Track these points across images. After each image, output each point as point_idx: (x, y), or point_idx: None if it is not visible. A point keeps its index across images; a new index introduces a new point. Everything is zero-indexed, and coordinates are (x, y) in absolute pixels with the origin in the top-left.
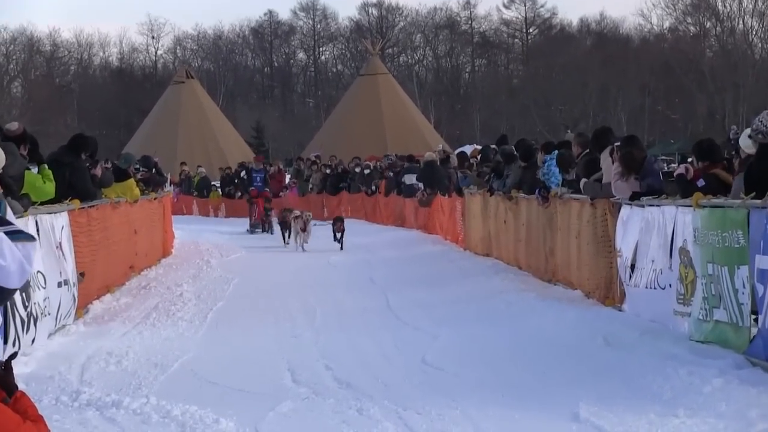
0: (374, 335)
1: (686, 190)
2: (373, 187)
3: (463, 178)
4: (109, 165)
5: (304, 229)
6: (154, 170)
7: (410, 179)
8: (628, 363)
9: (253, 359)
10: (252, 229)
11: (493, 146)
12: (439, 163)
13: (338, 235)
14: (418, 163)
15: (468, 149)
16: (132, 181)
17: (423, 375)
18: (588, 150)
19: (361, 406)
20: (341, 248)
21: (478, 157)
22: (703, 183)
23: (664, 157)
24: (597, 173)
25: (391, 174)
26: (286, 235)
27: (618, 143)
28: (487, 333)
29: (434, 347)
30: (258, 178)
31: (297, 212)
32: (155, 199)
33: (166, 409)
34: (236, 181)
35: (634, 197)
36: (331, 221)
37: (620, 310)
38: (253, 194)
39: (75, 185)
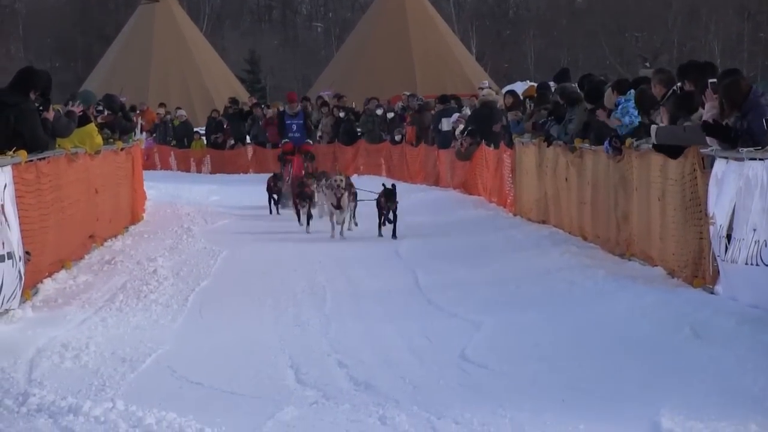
0: (400, 324)
1: None
2: (398, 136)
3: (515, 124)
4: (76, 108)
5: (338, 205)
6: (119, 113)
7: (447, 124)
8: (723, 360)
9: (246, 354)
10: (280, 204)
11: (552, 83)
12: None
13: (388, 216)
14: (456, 103)
15: (519, 87)
16: (92, 126)
17: (462, 374)
18: (675, 88)
19: (383, 413)
20: (394, 236)
21: (533, 98)
22: None
23: None
24: (693, 115)
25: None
26: (302, 213)
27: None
28: (543, 321)
29: (476, 339)
30: (294, 126)
31: (324, 178)
32: (122, 149)
33: (137, 416)
34: (225, 125)
35: (727, 138)
36: (378, 195)
37: (712, 293)
38: (288, 149)
39: (22, 132)
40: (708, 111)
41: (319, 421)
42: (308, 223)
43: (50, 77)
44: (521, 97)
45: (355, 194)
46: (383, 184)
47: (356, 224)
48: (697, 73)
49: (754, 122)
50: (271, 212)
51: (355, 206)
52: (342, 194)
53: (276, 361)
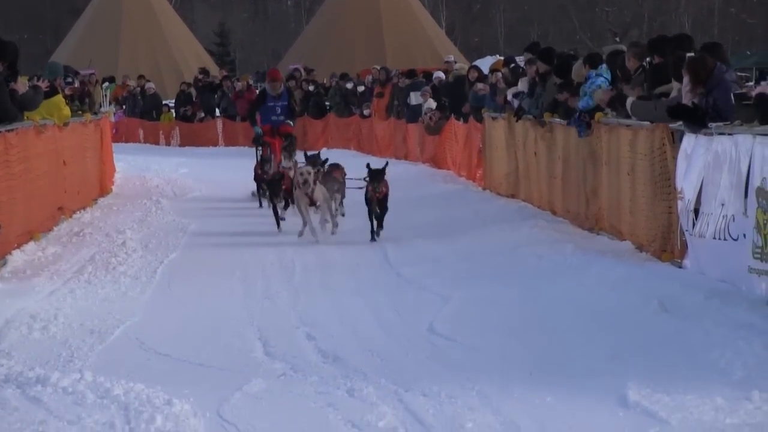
0: (369, 297)
1: (766, 115)
2: (366, 111)
3: (490, 98)
4: (41, 82)
5: (311, 201)
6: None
7: (415, 98)
8: (690, 334)
9: (214, 326)
10: (260, 193)
11: (523, 57)
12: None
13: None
14: (423, 78)
15: (487, 63)
16: (60, 97)
17: (430, 347)
18: (644, 63)
19: (351, 385)
20: (373, 238)
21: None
22: None
23: (738, 74)
24: (663, 87)
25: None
26: (279, 206)
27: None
28: (511, 295)
29: (444, 313)
30: (278, 109)
31: (290, 161)
32: (90, 122)
33: (105, 387)
34: (194, 98)
35: (694, 118)
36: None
37: (680, 267)
38: (266, 130)
39: None
40: (684, 84)
41: (287, 393)
42: (279, 223)
43: (17, 49)
44: (485, 72)
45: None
46: (368, 165)
47: (342, 215)
48: (670, 46)
49: (720, 98)
50: (261, 205)
51: (342, 197)
52: (312, 185)
53: (244, 333)
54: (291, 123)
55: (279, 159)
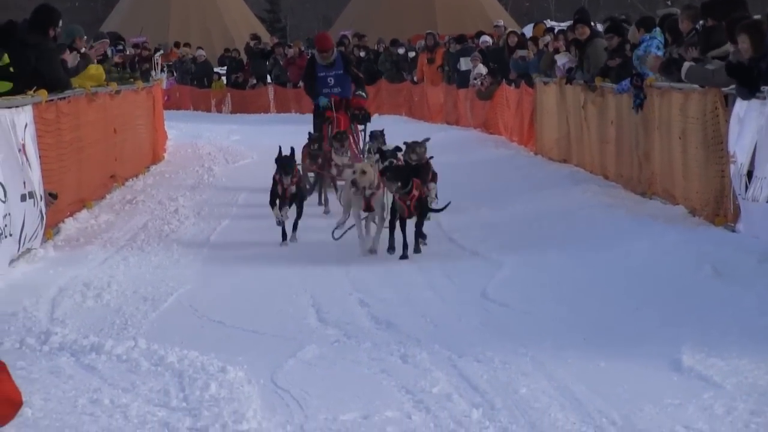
0: (421, 263)
1: None
2: (415, 77)
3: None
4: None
5: (367, 206)
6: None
7: (465, 64)
8: (744, 298)
9: (267, 293)
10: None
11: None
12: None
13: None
14: (474, 44)
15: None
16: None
17: (483, 313)
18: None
19: (405, 351)
20: (404, 254)
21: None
22: None
23: None
24: (718, 50)
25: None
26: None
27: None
28: (564, 260)
29: (497, 278)
30: (330, 80)
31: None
32: (142, 89)
33: (159, 354)
34: (245, 65)
35: (748, 84)
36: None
37: (733, 231)
38: (335, 102)
39: (42, 72)
40: (738, 49)
41: (340, 359)
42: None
43: (61, 15)
44: (526, 37)
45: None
46: (403, 146)
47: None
48: (724, 8)
49: None
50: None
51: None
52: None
53: (297, 300)
54: (363, 94)
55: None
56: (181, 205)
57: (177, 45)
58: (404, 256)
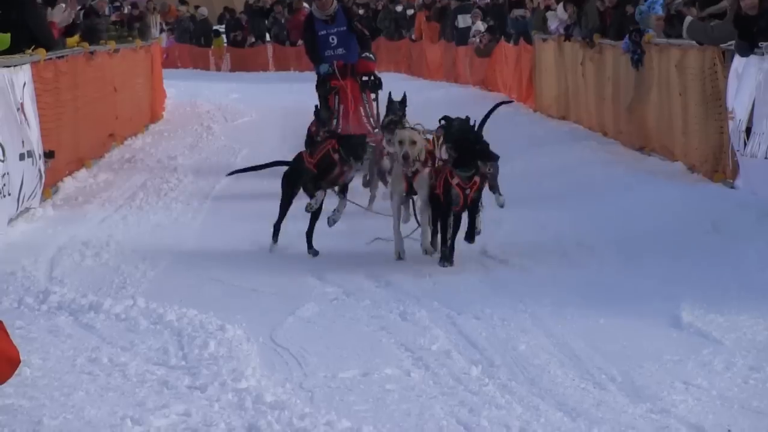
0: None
1: None
2: (413, 35)
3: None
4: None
5: (407, 190)
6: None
7: (464, 21)
8: (743, 254)
9: (266, 252)
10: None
11: None
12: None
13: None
14: (473, 1)
15: None
16: None
17: (482, 270)
18: None
19: (404, 309)
20: (445, 259)
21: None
22: None
23: None
24: (714, 7)
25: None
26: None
27: None
28: (563, 217)
29: (497, 235)
30: (333, 39)
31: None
32: (140, 48)
33: (158, 313)
34: (244, 23)
35: (747, 39)
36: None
37: (732, 188)
38: (339, 67)
39: (30, 29)
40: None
41: (339, 317)
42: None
43: None
44: None
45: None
46: (444, 119)
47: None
48: None
49: None
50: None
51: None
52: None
53: (296, 258)
54: (371, 56)
55: (351, 109)
56: (180, 164)
57: (183, 2)
58: (448, 260)
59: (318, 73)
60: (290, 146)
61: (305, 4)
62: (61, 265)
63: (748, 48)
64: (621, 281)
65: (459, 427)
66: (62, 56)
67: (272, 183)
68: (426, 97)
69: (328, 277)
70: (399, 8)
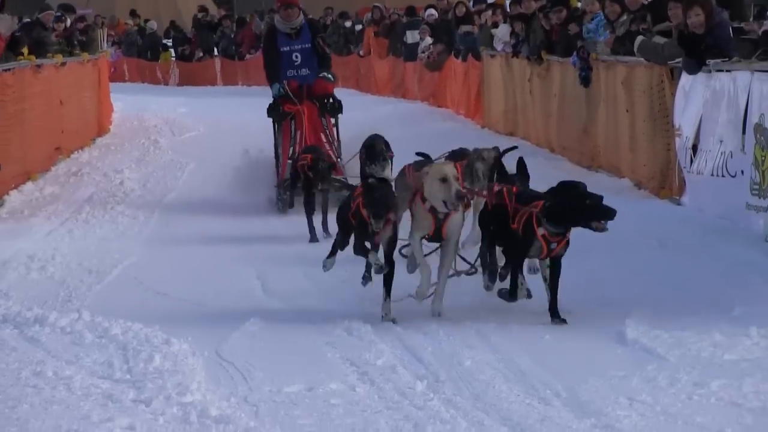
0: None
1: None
2: (361, 51)
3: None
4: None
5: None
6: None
7: (413, 36)
8: (689, 270)
9: (213, 265)
10: (283, 194)
11: None
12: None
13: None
14: (419, 16)
15: None
16: None
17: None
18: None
19: (349, 324)
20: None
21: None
22: None
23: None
24: (663, 24)
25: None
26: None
27: None
28: None
29: None
30: (297, 56)
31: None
32: (87, 61)
33: (103, 326)
34: (192, 37)
35: (695, 56)
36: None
37: (678, 204)
38: (293, 89)
39: None
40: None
41: (285, 331)
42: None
43: None
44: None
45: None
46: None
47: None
48: None
49: (721, 37)
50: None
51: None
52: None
53: (242, 272)
54: (329, 76)
55: (310, 140)
56: (127, 178)
57: (132, 14)
58: (514, 297)
59: (273, 93)
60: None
61: (256, 18)
62: (6, 279)
63: (695, 65)
64: (566, 297)
65: None
66: (8, 69)
67: (219, 197)
68: (375, 113)
69: (275, 292)
70: (348, 23)
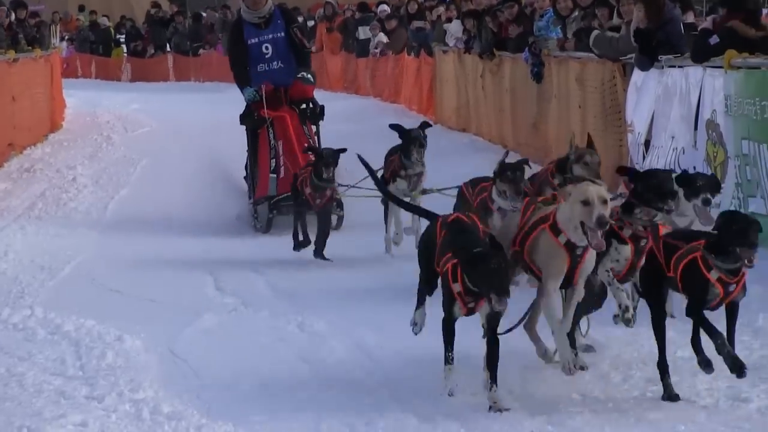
0: None
1: (702, 50)
2: (313, 47)
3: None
4: None
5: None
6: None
7: (365, 33)
8: None
9: (165, 262)
10: (269, 213)
11: None
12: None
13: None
14: (372, 12)
15: None
16: None
17: (383, 279)
18: None
19: (302, 320)
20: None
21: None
22: (717, 40)
23: None
24: (614, 20)
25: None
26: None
27: None
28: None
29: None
30: (267, 48)
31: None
32: (40, 57)
33: (56, 323)
34: (145, 33)
35: (648, 52)
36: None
37: None
38: (268, 93)
39: None
40: (635, 20)
41: (238, 328)
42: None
43: None
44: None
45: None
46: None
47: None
48: None
49: (672, 33)
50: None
51: None
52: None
53: (195, 269)
54: (309, 77)
55: (294, 148)
56: (80, 174)
57: (80, 8)
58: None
59: (246, 97)
60: (192, 158)
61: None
62: None
63: (648, 62)
64: (518, 290)
65: None
66: None
67: (172, 193)
68: (327, 109)
69: (227, 288)
70: (300, 19)
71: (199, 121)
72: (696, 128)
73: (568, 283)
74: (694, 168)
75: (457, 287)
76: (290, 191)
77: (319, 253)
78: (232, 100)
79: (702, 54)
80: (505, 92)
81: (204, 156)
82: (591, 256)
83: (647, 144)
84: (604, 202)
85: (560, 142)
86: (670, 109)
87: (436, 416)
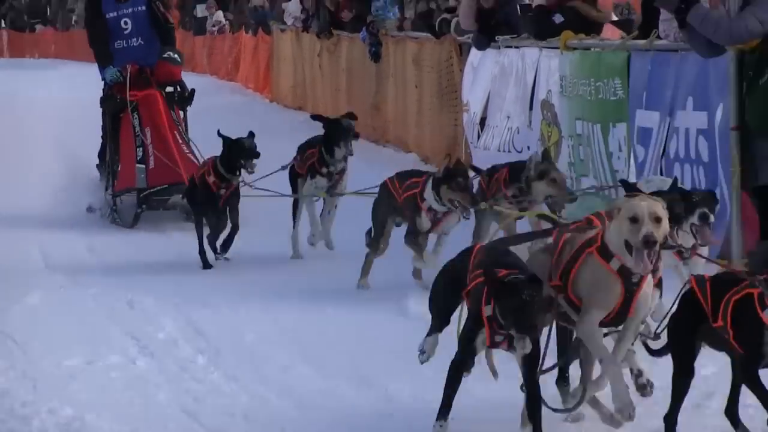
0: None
1: (544, 27)
2: None
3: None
4: None
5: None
6: None
7: (202, 11)
8: None
9: None
10: (138, 208)
11: None
12: None
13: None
14: None
15: None
16: None
17: (212, 259)
18: None
19: (132, 297)
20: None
21: None
22: (561, 19)
23: None
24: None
25: None
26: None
27: None
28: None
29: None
30: (127, 23)
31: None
32: None
33: None
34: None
35: (485, 32)
36: None
37: None
38: (133, 73)
39: None
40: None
41: (65, 304)
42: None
43: None
44: None
45: None
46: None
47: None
48: None
49: (512, 12)
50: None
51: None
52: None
53: (23, 244)
54: (176, 57)
55: (166, 136)
56: None
57: None
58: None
59: (106, 77)
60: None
61: None
62: None
63: (485, 41)
64: (348, 277)
65: (183, 415)
66: None
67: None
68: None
69: (57, 265)
70: None
71: (37, 97)
72: (531, 108)
73: (620, 320)
74: (528, 148)
75: (488, 311)
76: (163, 184)
77: (225, 249)
78: (66, 76)
79: (546, 32)
80: (341, 72)
81: (44, 137)
82: (649, 286)
83: (482, 123)
84: (657, 219)
85: (397, 122)
86: (506, 89)
87: (265, 392)
